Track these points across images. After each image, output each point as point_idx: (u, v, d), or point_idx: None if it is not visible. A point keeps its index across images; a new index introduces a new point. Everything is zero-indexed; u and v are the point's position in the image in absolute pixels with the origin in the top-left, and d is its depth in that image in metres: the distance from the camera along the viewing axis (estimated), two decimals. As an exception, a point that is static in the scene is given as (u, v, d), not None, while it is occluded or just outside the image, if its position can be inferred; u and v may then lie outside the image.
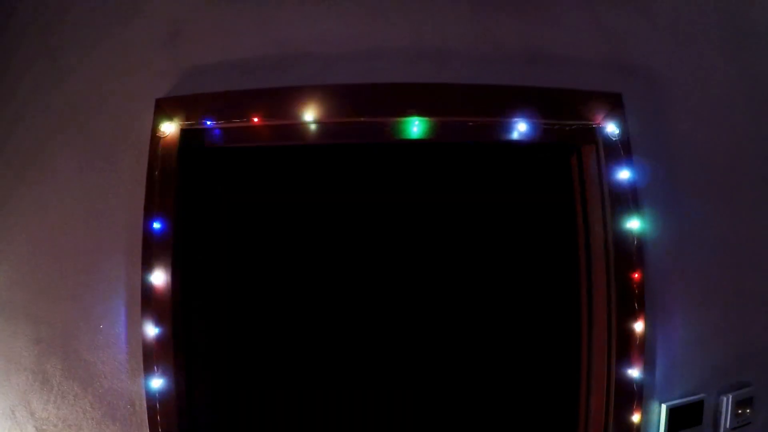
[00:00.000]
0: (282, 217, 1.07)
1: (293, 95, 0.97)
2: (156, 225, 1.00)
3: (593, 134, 1.03)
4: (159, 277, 1.00)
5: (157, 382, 1.01)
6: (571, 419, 1.09)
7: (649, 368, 1.04)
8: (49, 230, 1.15)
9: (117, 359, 1.08)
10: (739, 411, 1.14)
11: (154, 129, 1.02)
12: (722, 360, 1.14)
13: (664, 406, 1.06)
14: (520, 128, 1.00)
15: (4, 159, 1.19)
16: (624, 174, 1.02)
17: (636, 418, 1.03)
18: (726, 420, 1.13)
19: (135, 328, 1.04)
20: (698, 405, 1.09)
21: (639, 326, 1.01)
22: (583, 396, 1.06)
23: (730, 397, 1.12)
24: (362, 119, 0.97)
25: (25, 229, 1.17)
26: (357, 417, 1.12)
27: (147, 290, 1.00)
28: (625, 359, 1.01)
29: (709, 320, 1.11)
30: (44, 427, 1.19)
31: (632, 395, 1.02)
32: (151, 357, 1.01)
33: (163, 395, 1.01)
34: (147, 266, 1.00)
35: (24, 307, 1.18)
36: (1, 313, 1.20)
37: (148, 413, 1.02)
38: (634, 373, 1.01)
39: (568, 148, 1.07)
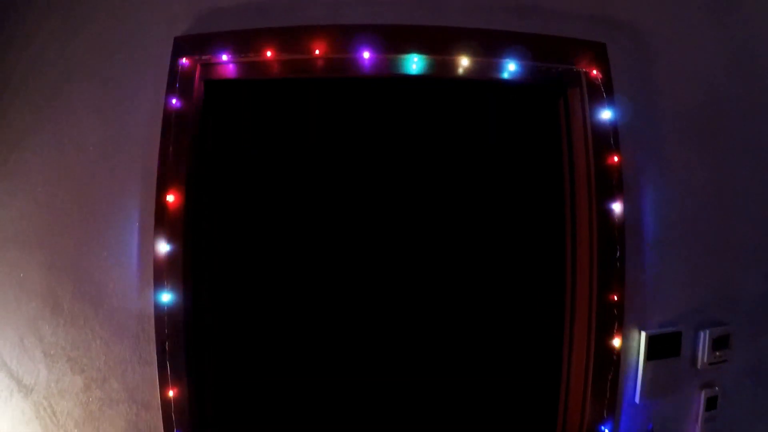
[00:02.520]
0: (290, 144, 1.20)
1: (304, 33, 1.11)
2: (172, 149, 1.12)
3: (578, 78, 1.17)
4: (172, 197, 1.12)
5: (166, 297, 1.12)
6: (557, 343, 1.20)
7: (629, 296, 1.15)
8: (66, 163, 1.27)
9: (128, 278, 1.19)
10: (716, 350, 1.25)
11: (173, 64, 1.16)
12: (701, 298, 1.26)
13: (643, 334, 1.18)
14: (511, 68, 1.14)
15: (22, 99, 1.31)
16: (606, 114, 1.16)
17: (617, 342, 1.14)
18: (703, 354, 1.24)
19: (147, 247, 1.15)
20: (676, 336, 1.21)
21: (618, 255, 1.13)
22: (568, 320, 1.18)
23: (707, 332, 1.24)
24: (366, 55, 1.11)
25: (41, 163, 1.29)
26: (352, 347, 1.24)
27: (160, 210, 1.12)
28: (606, 286, 1.13)
29: (688, 259, 1.24)
30: (52, 351, 1.29)
31: (613, 320, 1.13)
32: (161, 273, 1.12)
33: (171, 310, 1.12)
34: (161, 187, 1.12)
35: (37, 236, 1.29)
36: (14, 243, 1.31)
37: (156, 328, 1.13)
38: (615, 298, 1.13)
39: (556, 91, 1.21)
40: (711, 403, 1.29)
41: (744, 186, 1.29)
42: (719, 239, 1.27)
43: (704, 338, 1.24)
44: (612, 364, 1.14)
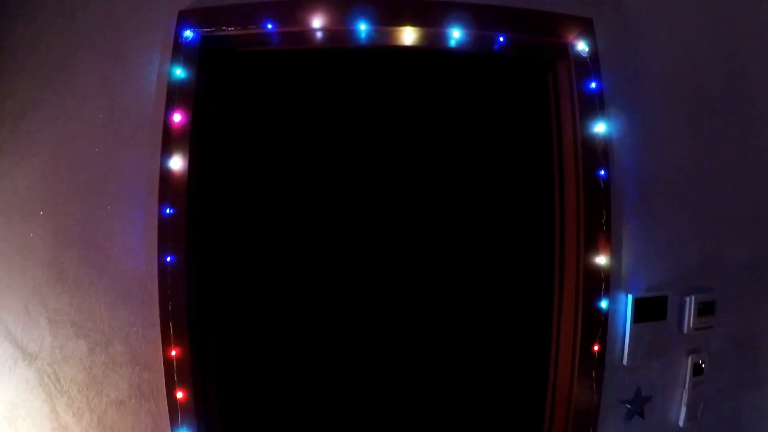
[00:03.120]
0: (289, 112, 1.26)
1: (304, 6, 1.17)
2: (176, 117, 1.18)
3: (566, 51, 1.22)
4: (177, 163, 1.17)
5: (169, 259, 1.17)
6: (546, 305, 1.25)
7: (615, 259, 1.21)
8: (71, 134, 1.32)
9: (132, 242, 1.24)
10: (702, 315, 1.31)
11: (177, 36, 1.21)
12: (686, 265, 1.31)
13: (630, 296, 1.23)
14: (501, 41, 1.20)
15: (29, 70, 1.36)
16: (593, 86, 1.21)
17: (605, 303, 1.19)
18: (689, 320, 1.30)
19: (151, 212, 1.20)
20: (662, 301, 1.26)
21: (605, 219, 1.18)
22: (557, 283, 1.23)
23: (693, 298, 1.29)
24: (362, 27, 1.17)
25: (47, 135, 1.34)
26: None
27: (165, 175, 1.17)
28: (593, 249, 1.18)
29: (673, 226, 1.29)
30: (57, 317, 1.33)
31: (600, 282, 1.19)
32: (165, 236, 1.17)
33: (175, 272, 1.17)
34: (166, 153, 1.17)
35: (43, 203, 1.34)
36: (20, 213, 1.36)
37: (159, 289, 1.18)
38: (602, 261, 1.18)
39: (545, 64, 1.27)
40: (698, 369, 1.34)
41: (727, 156, 1.35)
42: (704, 208, 1.33)
43: (690, 304, 1.29)
44: (600, 325, 1.19)
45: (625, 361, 1.25)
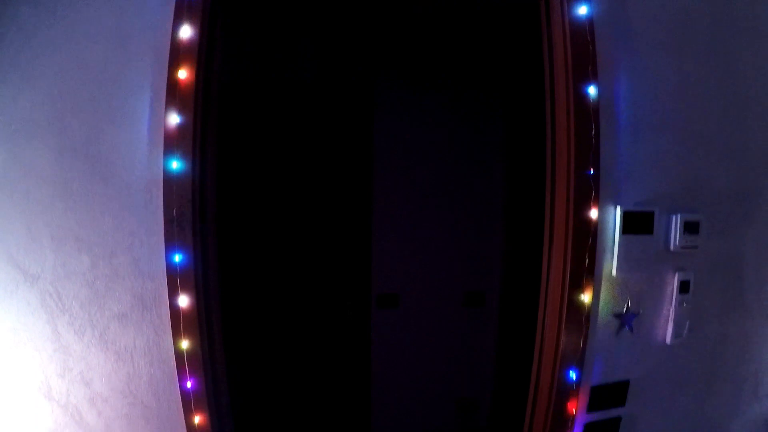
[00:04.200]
0: (291, 32, 1.32)
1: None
2: (184, 32, 1.23)
3: (556, -25, 1.30)
4: (184, 73, 1.22)
5: (175, 165, 1.21)
6: (539, 212, 1.31)
7: (604, 172, 1.27)
8: (78, 54, 1.35)
9: (138, 152, 1.28)
10: (688, 233, 1.37)
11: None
12: (672, 186, 1.38)
13: (618, 209, 1.29)
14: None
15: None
16: (583, 10, 1.29)
17: (594, 213, 1.25)
18: (675, 237, 1.36)
19: (158, 121, 1.25)
20: (649, 216, 1.32)
21: (594, 132, 1.25)
22: (549, 193, 1.29)
23: (679, 216, 1.36)
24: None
25: (53, 57, 1.38)
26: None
27: (172, 85, 1.22)
28: (583, 160, 1.25)
29: (659, 146, 1.36)
30: (60, 234, 1.37)
31: (590, 192, 1.25)
32: (171, 143, 1.22)
33: (180, 178, 1.21)
34: (173, 64, 1.22)
35: (48, 123, 1.37)
36: (23, 133, 1.39)
37: (164, 194, 1.22)
38: (591, 171, 1.25)
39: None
40: (684, 287, 1.40)
41: (712, 86, 1.42)
42: (689, 133, 1.40)
43: (676, 221, 1.36)
44: (590, 234, 1.25)
45: (614, 272, 1.31)
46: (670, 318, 1.40)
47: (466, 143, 1.76)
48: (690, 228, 1.38)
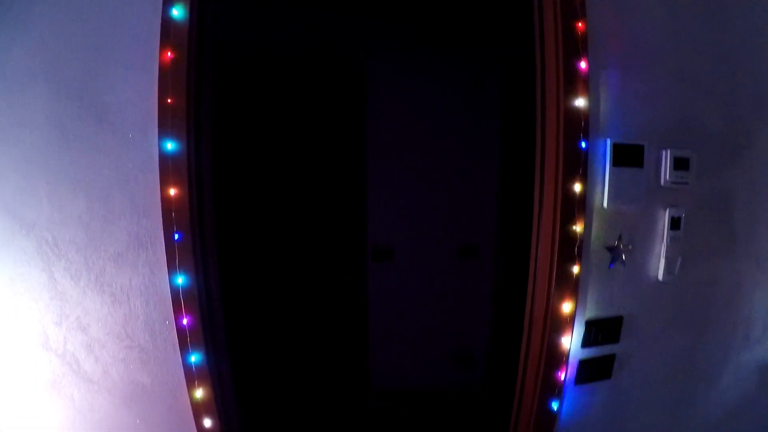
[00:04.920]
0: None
1: None
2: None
3: None
4: (179, 13, 1.24)
5: (170, 100, 1.22)
6: (530, 145, 1.33)
7: (593, 103, 1.28)
8: (74, 3, 1.38)
9: (133, 90, 1.28)
10: (678, 169, 1.38)
11: None
12: (662, 122, 1.39)
13: (609, 141, 1.31)
14: None
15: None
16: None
17: (584, 144, 1.27)
18: (666, 172, 1.37)
19: (151, 60, 1.26)
20: (639, 149, 1.34)
21: (583, 64, 1.27)
22: (539, 125, 1.30)
23: (669, 151, 1.37)
24: None
25: (48, 7, 1.40)
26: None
27: (166, 22, 1.23)
28: (572, 90, 1.26)
29: (650, 83, 1.37)
30: (56, 178, 1.37)
31: (579, 124, 1.26)
32: (165, 80, 1.23)
33: (175, 109, 1.22)
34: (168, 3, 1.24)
35: (43, 71, 1.38)
36: (18, 82, 1.40)
37: (159, 128, 1.23)
38: (581, 103, 1.26)
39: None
40: (675, 223, 1.41)
41: (704, 29, 1.44)
42: (680, 72, 1.41)
43: (666, 156, 1.37)
44: (580, 165, 1.27)
45: (605, 204, 1.32)
46: (661, 254, 1.41)
47: (461, 97, 1.78)
48: (680, 164, 1.39)
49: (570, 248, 1.29)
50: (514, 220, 1.48)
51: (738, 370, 1.71)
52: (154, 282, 1.33)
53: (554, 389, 1.36)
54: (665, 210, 1.40)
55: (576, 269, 1.30)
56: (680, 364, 1.58)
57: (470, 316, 1.83)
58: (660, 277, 1.42)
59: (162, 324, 1.35)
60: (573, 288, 1.31)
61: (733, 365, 1.70)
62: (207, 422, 1.37)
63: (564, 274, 1.29)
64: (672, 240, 1.41)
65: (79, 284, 1.41)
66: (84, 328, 1.44)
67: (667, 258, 1.41)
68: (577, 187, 1.27)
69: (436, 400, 1.79)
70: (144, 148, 1.29)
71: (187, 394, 1.37)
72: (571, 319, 1.33)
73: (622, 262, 1.36)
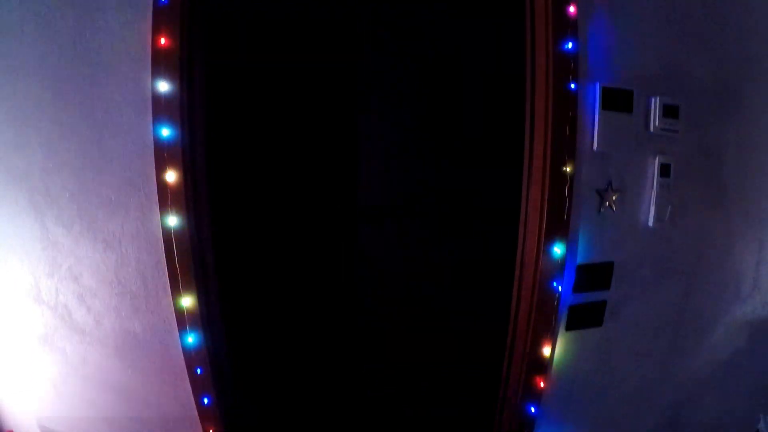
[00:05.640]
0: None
1: None
2: None
3: None
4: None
5: (163, 41, 1.22)
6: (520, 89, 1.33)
7: (582, 48, 1.29)
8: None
9: (125, 35, 1.27)
10: (667, 117, 1.39)
11: None
12: (651, 70, 1.40)
13: (598, 85, 1.31)
14: None
15: None
16: None
17: (573, 86, 1.27)
18: (655, 118, 1.38)
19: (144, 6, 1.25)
20: (628, 94, 1.35)
21: (572, 9, 1.27)
22: (528, 70, 1.30)
23: (658, 98, 1.38)
24: None
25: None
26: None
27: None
28: (561, 34, 1.26)
29: (640, 29, 1.37)
30: (48, 125, 1.36)
31: (569, 67, 1.27)
32: (159, 24, 1.22)
33: (167, 54, 1.22)
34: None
35: (36, 20, 1.36)
36: (10, 31, 1.37)
37: (152, 72, 1.23)
38: (569, 46, 1.27)
39: None
40: (665, 170, 1.42)
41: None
42: (670, 22, 1.42)
43: (655, 103, 1.38)
44: (569, 107, 1.27)
45: (595, 147, 1.32)
46: (652, 200, 1.42)
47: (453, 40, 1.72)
48: (669, 112, 1.40)
49: (560, 190, 1.29)
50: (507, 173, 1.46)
51: (728, 325, 1.71)
52: (146, 226, 1.32)
53: (546, 334, 1.36)
54: (655, 157, 1.41)
55: (567, 210, 1.30)
56: (671, 316, 1.58)
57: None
58: (650, 223, 1.42)
59: (153, 269, 1.34)
60: (564, 231, 1.31)
61: (723, 321, 1.70)
62: (199, 369, 1.35)
63: (555, 216, 1.29)
64: (662, 187, 1.41)
65: (71, 232, 1.40)
66: (76, 278, 1.43)
67: (657, 205, 1.41)
68: (567, 129, 1.27)
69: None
70: (137, 90, 1.28)
71: (179, 341, 1.36)
72: (563, 262, 1.33)
73: (613, 206, 1.36)
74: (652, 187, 1.41)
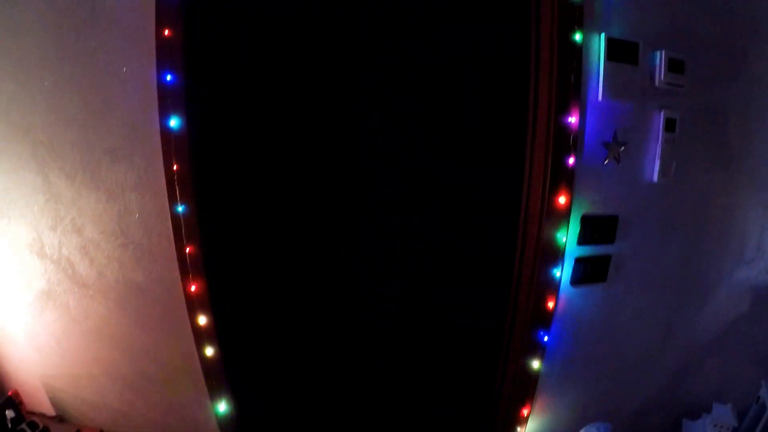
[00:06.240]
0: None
1: None
2: None
3: None
4: None
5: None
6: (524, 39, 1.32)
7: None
8: None
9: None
10: (672, 71, 1.37)
11: None
12: (656, 27, 1.37)
13: (603, 35, 1.29)
14: None
15: None
16: None
17: (578, 36, 1.25)
18: (660, 72, 1.36)
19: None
20: (634, 46, 1.32)
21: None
22: (533, 15, 1.29)
23: (663, 52, 1.36)
24: None
25: None
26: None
27: None
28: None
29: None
30: (52, 76, 1.35)
31: (573, 17, 1.25)
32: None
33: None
34: None
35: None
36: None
37: (156, 21, 1.21)
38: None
39: None
40: (670, 125, 1.40)
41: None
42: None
43: (661, 57, 1.36)
44: (574, 57, 1.25)
45: (600, 97, 1.30)
46: (657, 155, 1.40)
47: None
48: (675, 66, 1.38)
49: (565, 140, 1.27)
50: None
51: (731, 290, 1.70)
52: (149, 173, 1.31)
53: (550, 287, 1.34)
54: (660, 111, 1.39)
55: (571, 162, 1.28)
56: (674, 276, 1.56)
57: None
58: (655, 178, 1.40)
59: (156, 217, 1.33)
60: (568, 181, 1.29)
61: (727, 284, 1.68)
62: (202, 319, 1.34)
63: (559, 166, 1.28)
64: (667, 142, 1.40)
65: (74, 184, 1.39)
66: (79, 230, 1.42)
67: (662, 159, 1.40)
68: (572, 79, 1.26)
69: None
70: (140, 37, 1.26)
71: (181, 291, 1.35)
72: (567, 212, 1.31)
73: (617, 159, 1.35)
74: (657, 142, 1.40)
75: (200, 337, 1.36)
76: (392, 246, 1.66)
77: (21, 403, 1.70)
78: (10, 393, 1.70)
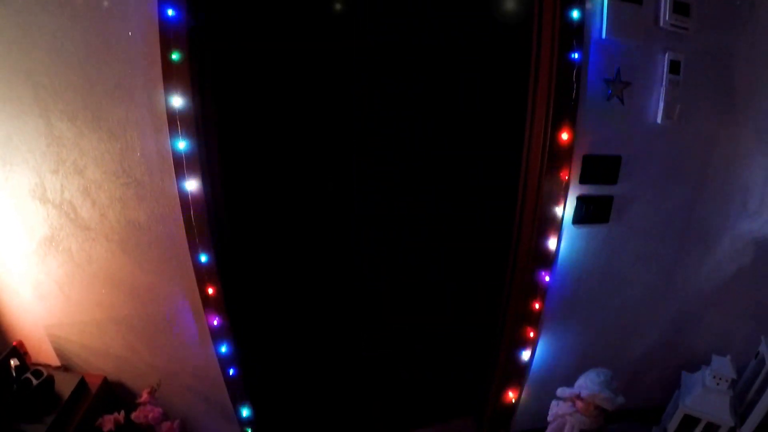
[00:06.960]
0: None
1: None
2: None
3: None
4: None
5: None
6: None
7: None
8: None
9: None
10: (677, 13, 1.34)
11: None
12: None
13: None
14: None
15: None
16: None
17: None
18: (665, 12, 1.34)
19: None
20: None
21: None
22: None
23: (669, -8, 1.34)
24: None
25: None
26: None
27: None
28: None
29: None
30: (51, 20, 1.32)
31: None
32: None
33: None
34: None
35: None
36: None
37: None
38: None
39: None
40: (674, 67, 1.38)
41: None
42: None
43: None
44: (578, -8, 1.23)
45: (603, 34, 1.28)
46: (661, 96, 1.38)
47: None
48: (680, 8, 1.35)
49: (568, 75, 1.25)
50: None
51: (733, 240, 1.68)
52: (150, 110, 1.29)
53: (552, 225, 1.33)
54: (664, 53, 1.37)
55: (574, 96, 1.27)
56: (677, 223, 1.55)
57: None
58: (659, 120, 1.39)
59: (158, 154, 1.32)
60: (571, 118, 1.27)
61: (729, 235, 1.67)
62: (203, 257, 1.34)
63: (562, 102, 1.26)
64: (671, 84, 1.38)
65: (75, 124, 1.37)
66: (80, 171, 1.41)
67: (666, 101, 1.38)
68: (575, 14, 1.23)
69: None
70: None
71: (183, 228, 1.34)
72: (570, 151, 1.30)
73: (621, 98, 1.33)
74: (662, 83, 1.38)
75: (201, 276, 1.35)
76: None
77: (26, 353, 1.70)
78: (14, 344, 1.70)
